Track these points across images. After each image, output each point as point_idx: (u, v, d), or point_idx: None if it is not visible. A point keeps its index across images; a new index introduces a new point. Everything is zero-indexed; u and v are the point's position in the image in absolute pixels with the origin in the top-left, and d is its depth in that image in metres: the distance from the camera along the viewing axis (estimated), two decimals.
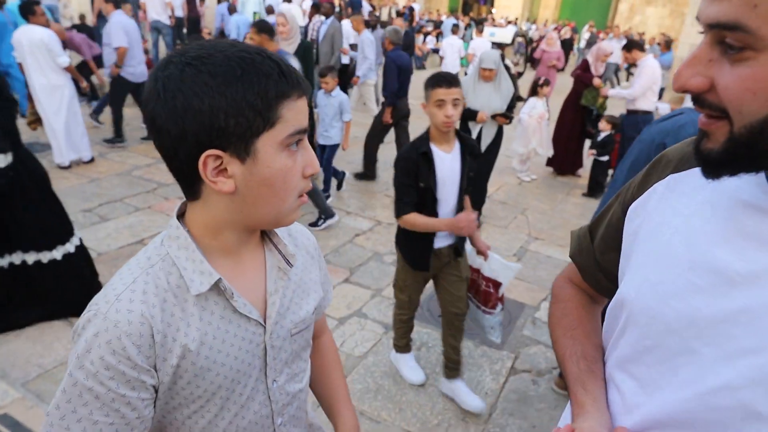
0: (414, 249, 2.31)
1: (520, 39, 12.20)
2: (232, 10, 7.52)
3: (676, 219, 0.62)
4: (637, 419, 0.64)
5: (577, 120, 5.86)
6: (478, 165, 2.29)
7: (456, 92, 2.03)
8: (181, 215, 0.77)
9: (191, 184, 0.71)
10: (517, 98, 4.29)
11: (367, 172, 5.55)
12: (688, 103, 2.88)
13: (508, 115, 4.17)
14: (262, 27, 3.86)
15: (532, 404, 2.58)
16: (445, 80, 2.04)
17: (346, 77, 7.27)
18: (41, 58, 4.64)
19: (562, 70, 10.32)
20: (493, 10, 23.43)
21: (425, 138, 2.16)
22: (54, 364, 2.56)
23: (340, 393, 1.05)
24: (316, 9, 7.33)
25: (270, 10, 8.59)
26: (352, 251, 3.91)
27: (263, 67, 0.67)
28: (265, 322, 0.80)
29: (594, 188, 5.51)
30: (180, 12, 10.10)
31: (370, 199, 5.06)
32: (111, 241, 3.82)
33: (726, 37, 0.47)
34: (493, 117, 4.15)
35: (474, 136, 4.21)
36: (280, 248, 0.83)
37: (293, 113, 0.69)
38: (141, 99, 3.54)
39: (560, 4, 23.58)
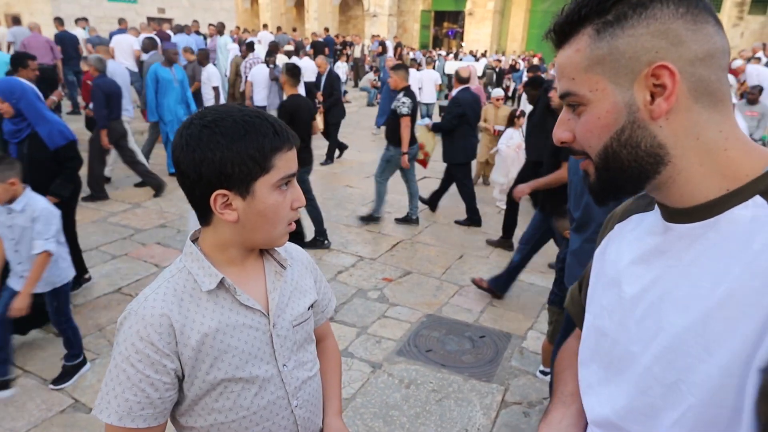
0: None
1: (490, 71, 12.65)
2: (203, 61, 7.60)
3: (618, 254, 0.78)
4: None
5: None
6: None
7: None
8: (195, 239, 1.00)
9: (205, 215, 0.94)
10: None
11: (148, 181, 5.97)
12: None
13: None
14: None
15: None
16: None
17: None
18: None
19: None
20: (463, 44, 24.19)
21: None
22: (27, 426, 2.44)
23: (331, 400, 1.18)
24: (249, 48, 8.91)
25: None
26: (335, 288, 3.88)
27: (261, 128, 0.89)
28: (268, 314, 0.99)
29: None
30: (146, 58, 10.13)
31: (350, 234, 5.06)
32: (86, 291, 3.71)
33: (569, 102, 0.68)
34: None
35: None
36: (275, 256, 1.05)
37: (284, 162, 0.92)
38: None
39: (526, 38, 24.52)
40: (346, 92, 13.35)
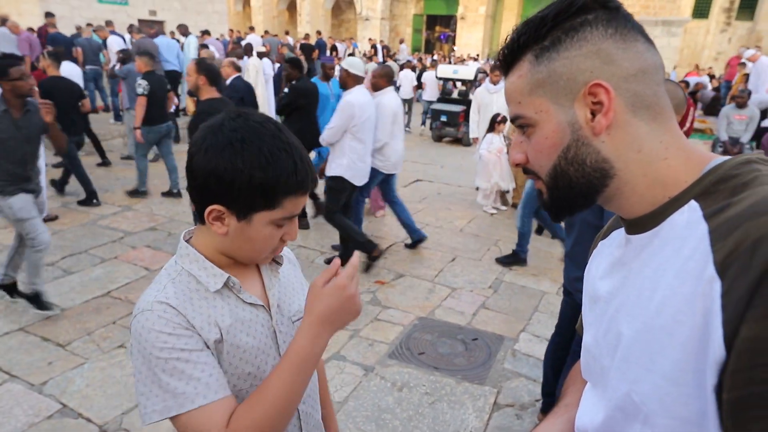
0: None
1: (482, 75, 12.72)
2: (126, 60, 7.39)
3: (595, 273, 0.81)
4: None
5: None
6: None
7: None
8: (188, 239, 0.98)
9: (201, 216, 0.92)
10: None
11: None
12: None
13: None
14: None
15: None
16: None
17: None
18: None
19: None
20: (455, 48, 24.30)
21: None
22: None
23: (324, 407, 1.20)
24: None
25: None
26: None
27: (283, 165, 0.87)
28: (269, 310, 1.00)
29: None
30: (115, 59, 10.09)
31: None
32: (75, 295, 3.66)
33: (519, 124, 0.71)
34: None
35: None
36: None
37: (291, 204, 0.90)
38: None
39: None
40: None
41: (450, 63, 16.00)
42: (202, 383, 0.85)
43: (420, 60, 14.86)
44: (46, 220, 4.97)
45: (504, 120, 5.84)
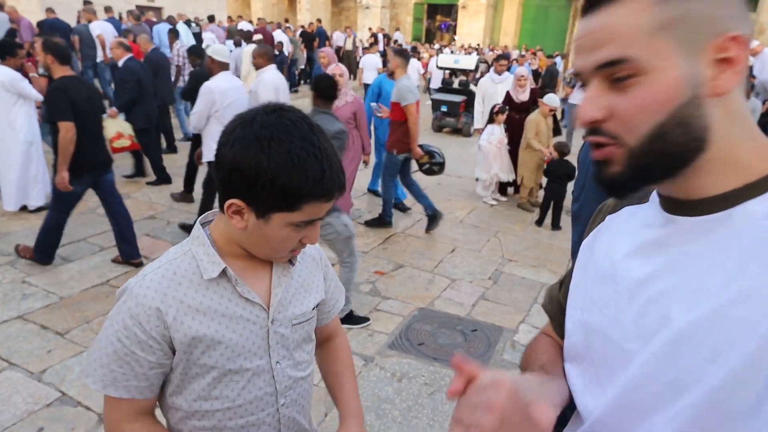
0: None
1: (483, 65, 12.62)
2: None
3: (610, 247, 0.74)
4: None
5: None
6: None
7: None
8: (206, 223, 0.98)
9: (222, 204, 0.90)
10: None
11: None
12: None
13: None
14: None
15: None
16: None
17: None
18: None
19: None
20: (456, 37, 24.11)
21: None
22: (13, 420, 2.40)
23: (348, 399, 1.15)
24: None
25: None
26: None
27: (310, 171, 0.83)
28: (268, 309, 0.96)
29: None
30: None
31: None
32: (74, 283, 3.65)
33: (614, 73, 0.58)
34: None
35: None
36: None
37: (313, 210, 0.87)
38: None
39: (519, 32, 24.49)
40: None
41: (451, 53, 15.89)
42: (136, 379, 0.91)
43: (414, 49, 14.73)
44: (43, 209, 4.95)
45: (502, 110, 5.77)
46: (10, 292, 3.49)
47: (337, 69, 4.33)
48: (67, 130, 3.43)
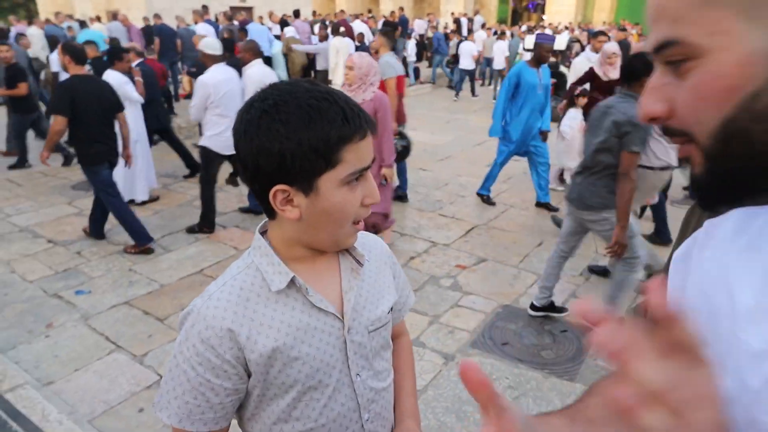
0: None
1: (575, 44, 11.81)
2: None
3: (723, 283, 0.52)
4: None
5: None
6: None
7: None
8: (264, 231, 0.92)
9: (268, 208, 0.84)
10: None
11: None
12: None
13: None
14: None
15: None
16: None
17: None
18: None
19: None
20: (544, 17, 22.89)
21: None
22: (119, 400, 2.61)
23: (406, 399, 1.08)
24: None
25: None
26: (407, 275, 3.78)
27: (329, 114, 0.77)
28: (342, 318, 0.89)
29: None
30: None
31: (423, 219, 4.95)
32: (173, 272, 3.92)
33: (668, 57, 0.47)
34: None
35: None
36: (351, 251, 0.93)
37: (354, 155, 0.79)
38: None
39: (616, 6, 22.65)
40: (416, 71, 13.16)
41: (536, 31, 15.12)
42: (212, 410, 0.86)
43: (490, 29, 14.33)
44: (149, 201, 5.38)
45: (583, 93, 5.29)
46: (119, 279, 3.82)
47: (348, 60, 3.61)
48: (58, 122, 3.83)
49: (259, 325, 0.84)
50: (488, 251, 4.27)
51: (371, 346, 0.94)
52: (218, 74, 4.36)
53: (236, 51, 7.11)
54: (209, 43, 4.54)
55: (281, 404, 0.88)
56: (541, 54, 4.68)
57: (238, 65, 4.93)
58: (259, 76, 4.59)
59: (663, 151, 3.05)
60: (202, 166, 4.63)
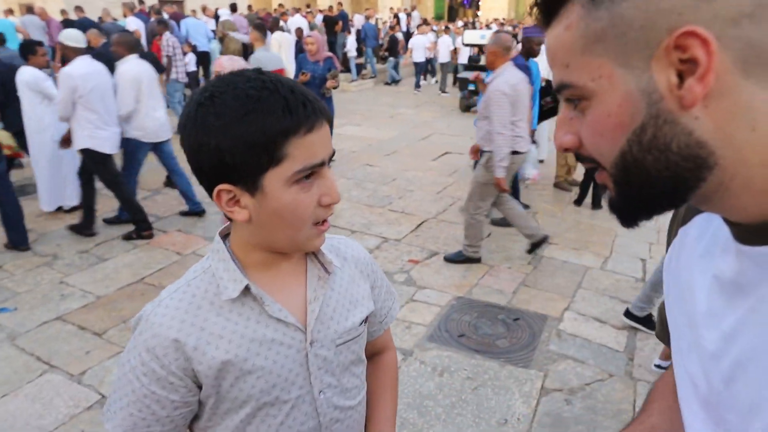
0: None
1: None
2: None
3: (690, 280, 0.60)
4: None
5: None
6: None
7: None
8: (226, 235, 0.85)
9: (217, 204, 0.77)
10: None
11: None
12: None
13: None
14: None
15: (568, 427, 2.41)
16: None
17: None
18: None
19: None
20: (479, 13, 23.47)
21: None
22: (56, 424, 2.40)
23: (384, 423, 0.99)
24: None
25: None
26: None
27: (268, 104, 0.69)
28: (305, 329, 0.82)
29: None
30: None
31: (372, 215, 4.92)
32: (109, 282, 3.66)
33: (567, 96, 0.52)
34: None
35: None
36: (319, 257, 0.86)
37: (301, 150, 0.71)
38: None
39: None
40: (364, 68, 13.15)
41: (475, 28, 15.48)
42: (159, 423, 0.81)
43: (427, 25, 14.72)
44: (78, 208, 4.98)
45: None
46: (49, 293, 3.52)
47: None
48: None
49: (209, 335, 0.78)
50: (439, 245, 4.30)
51: (339, 360, 0.87)
52: (83, 67, 4.02)
53: (155, 47, 6.68)
54: (71, 34, 4.17)
55: (235, 419, 0.82)
56: (532, 47, 4.51)
57: (111, 60, 4.47)
58: (133, 73, 4.25)
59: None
60: (97, 171, 4.20)
